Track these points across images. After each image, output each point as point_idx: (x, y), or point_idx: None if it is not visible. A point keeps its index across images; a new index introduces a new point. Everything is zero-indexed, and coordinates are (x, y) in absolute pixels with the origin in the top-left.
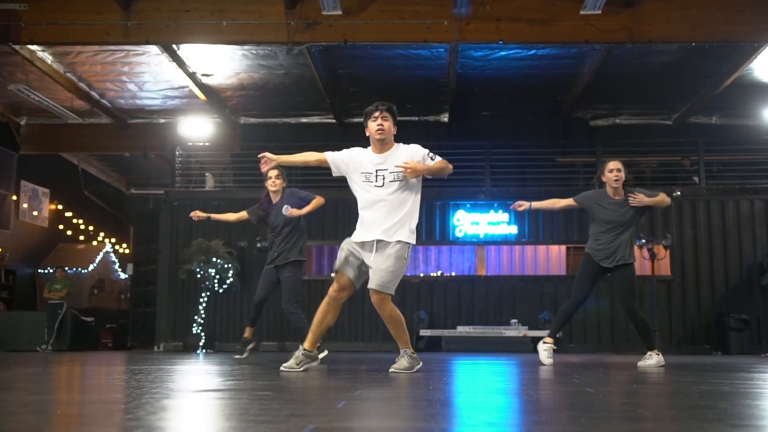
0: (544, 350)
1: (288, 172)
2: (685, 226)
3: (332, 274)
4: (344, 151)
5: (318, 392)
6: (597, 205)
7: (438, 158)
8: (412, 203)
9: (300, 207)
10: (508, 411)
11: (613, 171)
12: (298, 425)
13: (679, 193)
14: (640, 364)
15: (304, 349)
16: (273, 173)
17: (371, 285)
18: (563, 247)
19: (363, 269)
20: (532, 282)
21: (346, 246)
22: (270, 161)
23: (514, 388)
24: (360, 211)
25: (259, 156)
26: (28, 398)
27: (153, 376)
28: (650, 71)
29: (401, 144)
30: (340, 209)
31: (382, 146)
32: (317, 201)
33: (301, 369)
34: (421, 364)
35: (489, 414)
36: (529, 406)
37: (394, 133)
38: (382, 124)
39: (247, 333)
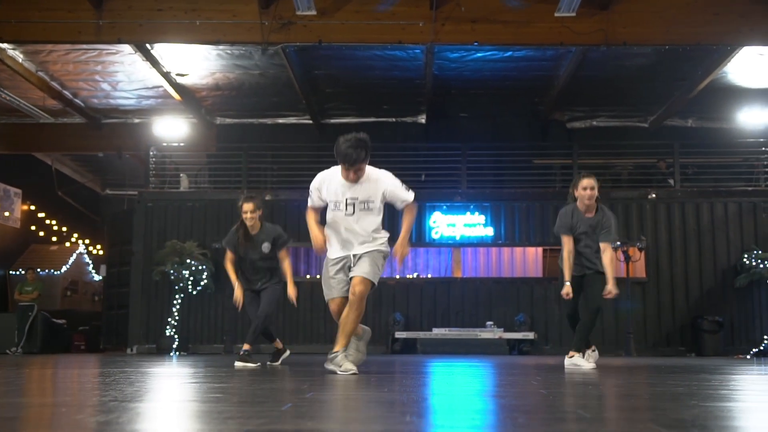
0: (578, 362)
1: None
2: (661, 228)
3: (327, 300)
4: (313, 184)
5: (268, 394)
6: (574, 222)
7: (410, 193)
8: (378, 223)
9: (277, 249)
10: (439, 411)
11: (587, 189)
12: (234, 428)
13: (654, 195)
14: (576, 363)
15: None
16: (249, 207)
17: (359, 273)
18: (539, 249)
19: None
20: (508, 284)
21: (328, 274)
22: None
23: (462, 390)
24: (328, 229)
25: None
26: None
27: (127, 379)
28: (626, 74)
29: (374, 171)
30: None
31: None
32: (288, 266)
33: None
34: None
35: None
36: (470, 406)
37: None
38: (356, 176)
39: (278, 344)
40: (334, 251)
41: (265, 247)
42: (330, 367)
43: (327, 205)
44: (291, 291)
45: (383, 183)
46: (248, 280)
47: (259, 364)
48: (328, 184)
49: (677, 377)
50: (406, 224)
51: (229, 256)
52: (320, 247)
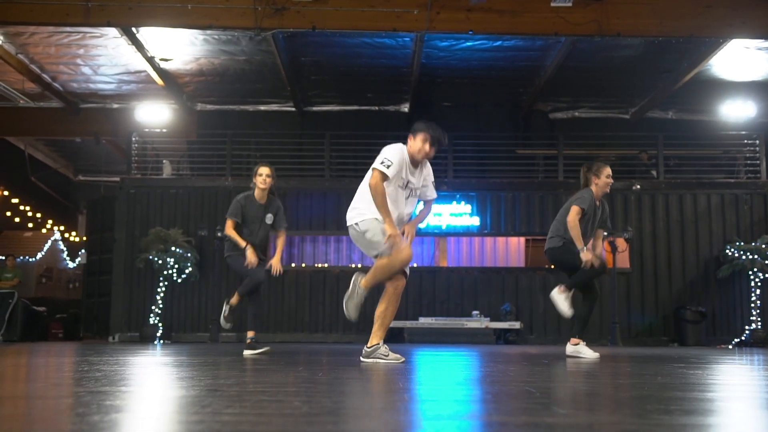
0: (582, 350)
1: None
2: (645, 219)
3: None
4: (397, 156)
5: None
6: (591, 210)
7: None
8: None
9: (278, 225)
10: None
11: (610, 177)
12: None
13: (638, 186)
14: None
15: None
16: (266, 171)
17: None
18: (522, 239)
19: None
20: (493, 273)
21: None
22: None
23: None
24: (391, 205)
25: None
26: None
27: (110, 369)
28: (612, 65)
29: (427, 161)
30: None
31: (416, 164)
32: (283, 242)
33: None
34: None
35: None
36: (531, 397)
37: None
38: (429, 154)
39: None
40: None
41: (269, 218)
42: (370, 360)
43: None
44: (276, 262)
45: (430, 174)
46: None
47: (267, 347)
48: (404, 161)
49: (656, 366)
50: (423, 214)
51: (230, 223)
52: (394, 241)
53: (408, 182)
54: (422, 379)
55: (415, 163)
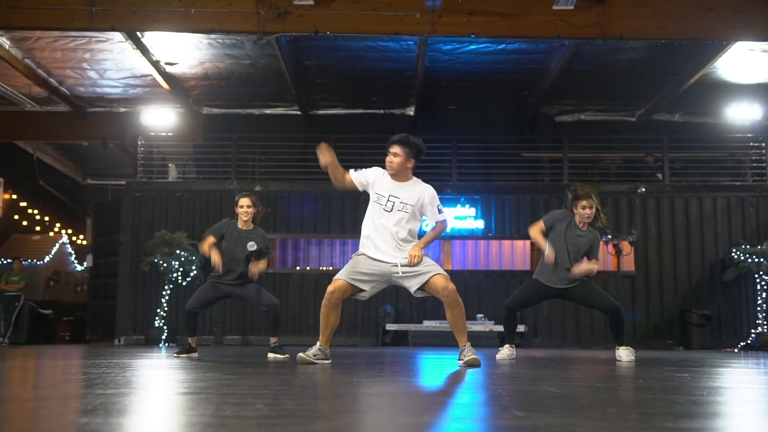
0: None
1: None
2: (650, 222)
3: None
4: (367, 170)
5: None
6: (563, 228)
7: (443, 213)
8: (412, 235)
9: (263, 253)
10: (475, 406)
11: (587, 209)
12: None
13: (643, 189)
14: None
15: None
16: (246, 202)
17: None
18: (527, 243)
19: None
20: (497, 277)
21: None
22: (327, 152)
23: (480, 383)
24: (365, 230)
25: (318, 146)
26: None
27: (120, 370)
28: (617, 68)
29: (420, 182)
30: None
31: (396, 178)
32: (263, 264)
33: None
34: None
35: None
36: (497, 400)
37: (410, 166)
38: (391, 160)
39: (193, 342)
40: (370, 252)
41: (251, 245)
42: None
43: (357, 186)
44: (255, 267)
45: (426, 194)
46: (231, 276)
47: (287, 355)
48: (379, 177)
49: (683, 370)
50: (428, 235)
51: (208, 239)
52: (330, 153)
53: (390, 196)
54: (397, 383)
55: (396, 177)
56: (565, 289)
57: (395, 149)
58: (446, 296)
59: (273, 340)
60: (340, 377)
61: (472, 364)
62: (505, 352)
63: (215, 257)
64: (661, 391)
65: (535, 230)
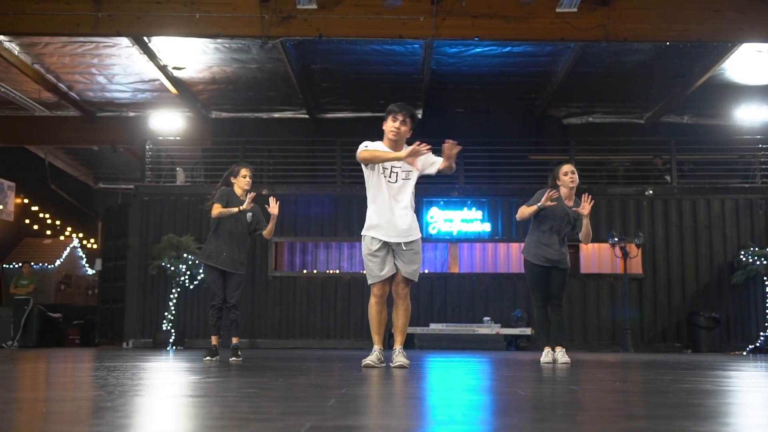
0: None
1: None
2: (658, 224)
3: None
4: (372, 144)
5: (306, 390)
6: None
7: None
8: (412, 199)
9: (261, 226)
10: (488, 409)
11: (568, 174)
12: (294, 423)
13: (651, 192)
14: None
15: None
16: (248, 172)
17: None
18: None
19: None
20: (504, 280)
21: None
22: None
23: (495, 386)
24: (371, 205)
25: (421, 146)
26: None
27: (129, 373)
28: (624, 70)
29: (406, 145)
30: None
31: (395, 146)
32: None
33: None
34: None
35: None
36: (519, 404)
37: (409, 137)
38: (399, 128)
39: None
40: (377, 233)
41: (249, 216)
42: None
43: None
44: (248, 205)
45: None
46: (220, 250)
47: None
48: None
49: (696, 374)
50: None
51: (217, 205)
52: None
53: (393, 167)
54: (368, 384)
55: (393, 145)
56: (550, 269)
57: (404, 118)
58: (402, 292)
59: (235, 340)
60: (321, 380)
61: (402, 366)
62: (549, 356)
63: (248, 201)
64: (698, 395)
65: (522, 208)
